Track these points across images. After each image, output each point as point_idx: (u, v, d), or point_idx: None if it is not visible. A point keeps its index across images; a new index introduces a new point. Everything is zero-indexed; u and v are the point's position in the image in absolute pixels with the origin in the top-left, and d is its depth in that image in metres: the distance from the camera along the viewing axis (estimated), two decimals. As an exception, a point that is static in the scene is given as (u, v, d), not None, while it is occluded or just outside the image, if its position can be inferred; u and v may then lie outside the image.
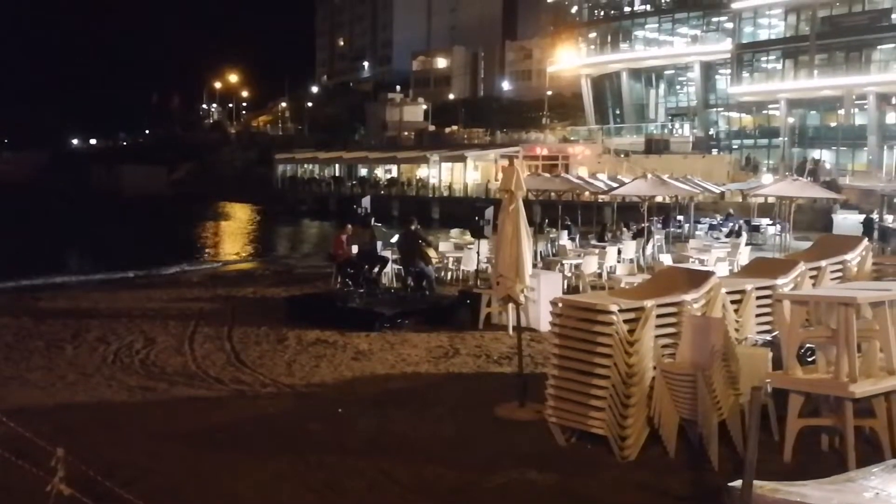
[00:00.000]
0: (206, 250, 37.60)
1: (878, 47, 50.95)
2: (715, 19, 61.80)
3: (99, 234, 38.67)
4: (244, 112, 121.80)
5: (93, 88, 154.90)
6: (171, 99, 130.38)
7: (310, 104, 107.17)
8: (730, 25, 59.27)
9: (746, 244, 22.08)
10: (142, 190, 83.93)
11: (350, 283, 16.46)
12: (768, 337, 8.62)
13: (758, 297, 9.08)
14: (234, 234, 47.94)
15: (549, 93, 73.40)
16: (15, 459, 5.48)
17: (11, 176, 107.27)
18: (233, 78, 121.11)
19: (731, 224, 29.34)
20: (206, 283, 20.62)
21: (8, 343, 12.60)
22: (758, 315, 9.11)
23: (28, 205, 61.80)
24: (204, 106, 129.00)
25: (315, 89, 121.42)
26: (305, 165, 76.77)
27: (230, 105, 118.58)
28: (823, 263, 10.11)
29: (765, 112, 58.92)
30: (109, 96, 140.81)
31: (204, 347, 12.36)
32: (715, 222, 31.12)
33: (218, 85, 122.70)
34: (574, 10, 72.77)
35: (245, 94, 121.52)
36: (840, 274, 10.23)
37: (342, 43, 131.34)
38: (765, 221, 30.64)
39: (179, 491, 6.77)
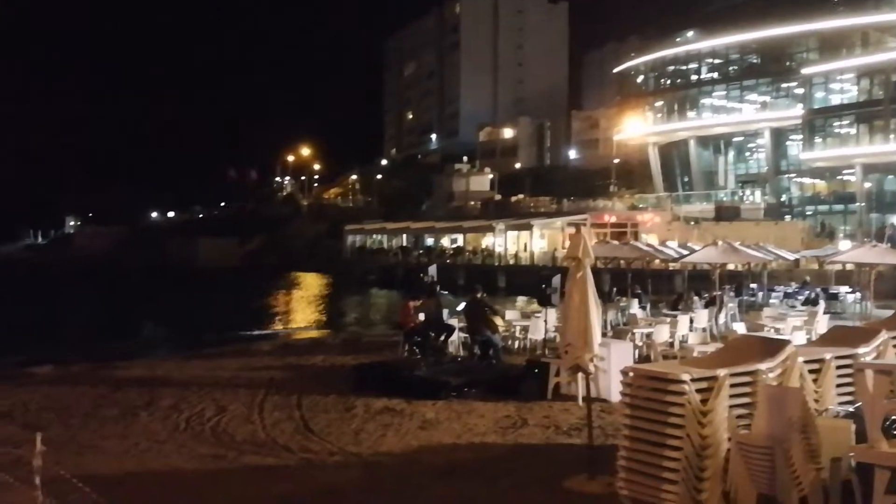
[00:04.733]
0: (277, 319, 38.23)
1: (957, 110, 49.75)
2: (784, 85, 61.27)
3: (173, 306, 39.63)
4: (316, 185, 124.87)
5: (175, 165, 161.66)
6: (248, 173, 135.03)
7: (379, 176, 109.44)
8: (800, 91, 58.66)
9: (824, 312, 21.36)
10: (215, 261, 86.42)
11: (417, 351, 16.46)
12: (851, 408, 8.25)
13: (838, 367, 8.75)
14: (304, 303, 48.66)
15: (616, 161, 73.43)
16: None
17: (89, 250, 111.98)
18: (305, 152, 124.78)
19: (807, 292, 28.46)
20: (277, 351, 20.89)
21: (86, 412, 12.91)
22: (838, 385, 8.75)
23: (103, 280, 64.15)
24: (277, 179, 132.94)
25: (384, 162, 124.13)
26: (374, 236, 78.11)
27: (303, 178, 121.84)
28: (907, 332, 9.69)
29: (839, 177, 57.68)
30: (189, 172, 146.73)
31: (273, 415, 12.46)
32: (790, 290, 30.23)
33: (291, 158, 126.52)
34: (640, 79, 73.10)
35: (317, 167, 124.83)
36: (926, 343, 9.79)
37: (410, 117, 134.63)
38: (843, 289, 29.65)
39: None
